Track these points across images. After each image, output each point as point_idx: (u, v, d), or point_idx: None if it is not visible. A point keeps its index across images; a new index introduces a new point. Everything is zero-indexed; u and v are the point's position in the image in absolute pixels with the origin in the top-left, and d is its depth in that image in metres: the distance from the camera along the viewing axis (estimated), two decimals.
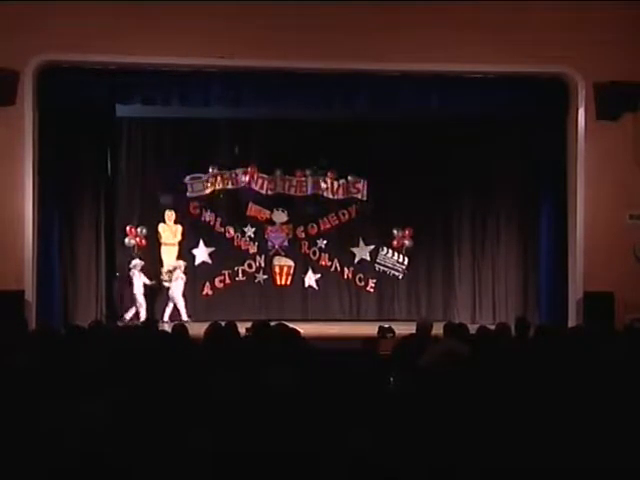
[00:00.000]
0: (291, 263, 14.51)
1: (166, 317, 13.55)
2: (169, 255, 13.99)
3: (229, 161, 14.35)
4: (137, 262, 13.72)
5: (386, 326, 11.38)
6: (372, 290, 14.55)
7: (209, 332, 6.65)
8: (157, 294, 13.97)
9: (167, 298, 13.81)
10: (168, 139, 14.23)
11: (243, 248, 14.42)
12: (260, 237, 14.43)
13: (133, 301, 13.62)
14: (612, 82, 11.59)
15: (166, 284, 13.81)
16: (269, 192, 14.41)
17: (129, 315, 13.48)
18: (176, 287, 13.77)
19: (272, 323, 7.32)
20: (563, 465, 3.48)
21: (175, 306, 13.73)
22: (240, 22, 11.35)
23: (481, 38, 11.51)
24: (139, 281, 13.64)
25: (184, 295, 13.83)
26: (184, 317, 13.44)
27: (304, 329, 7.94)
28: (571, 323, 11.44)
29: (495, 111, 12.60)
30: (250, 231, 14.41)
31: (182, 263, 13.88)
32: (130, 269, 13.66)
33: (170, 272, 13.87)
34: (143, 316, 13.29)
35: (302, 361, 5.27)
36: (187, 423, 3.78)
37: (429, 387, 4.59)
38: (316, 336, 9.85)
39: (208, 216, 14.32)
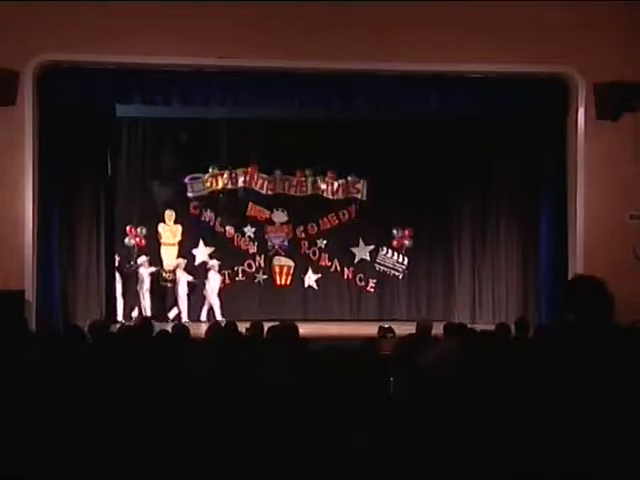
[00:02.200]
0: (291, 263, 14.52)
1: (203, 316, 13.62)
2: (169, 255, 14.00)
3: (229, 161, 14.38)
4: (180, 261, 13.78)
5: (386, 326, 11.38)
6: (372, 290, 14.56)
7: (209, 332, 6.65)
8: (195, 292, 14.05)
9: (203, 297, 13.88)
10: (168, 139, 14.24)
11: (243, 248, 14.43)
12: (260, 237, 14.44)
13: (176, 301, 13.70)
14: (612, 82, 11.59)
15: (168, 284, 13.83)
16: (269, 192, 14.43)
17: (172, 315, 13.53)
18: (211, 285, 13.79)
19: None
20: (563, 465, 3.48)
21: (211, 305, 13.81)
22: (240, 22, 11.34)
23: (481, 38, 11.51)
24: (183, 280, 13.69)
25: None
26: (218, 316, 13.47)
27: (304, 329, 7.94)
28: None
29: (495, 111, 12.61)
30: (250, 231, 14.43)
31: (216, 262, 13.92)
32: (175, 269, 13.75)
33: (172, 272, 13.89)
34: (186, 316, 13.43)
35: (301, 361, 5.27)
36: (187, 424, 3.78)
37: (429, 387, 4.60)
38: (316, 336, 9.85)
39: (208, 216, 14.34)
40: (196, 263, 14.14)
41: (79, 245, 12.91)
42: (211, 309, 13.80)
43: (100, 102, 12.34)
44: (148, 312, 13.53)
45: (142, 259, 13.70)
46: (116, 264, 13.43)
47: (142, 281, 13.62)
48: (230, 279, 14.30)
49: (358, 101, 12.08)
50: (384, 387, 4.85)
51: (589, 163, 11.86)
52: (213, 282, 13.82)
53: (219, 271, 13.95)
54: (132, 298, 13.73)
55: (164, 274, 13.92)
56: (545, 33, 11.53)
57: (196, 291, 13.98)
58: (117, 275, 13.45)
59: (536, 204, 13.03)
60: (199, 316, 13.66)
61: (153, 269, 13.76)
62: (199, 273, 14.11)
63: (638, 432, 3.72)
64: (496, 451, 3.55)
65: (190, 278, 13.78)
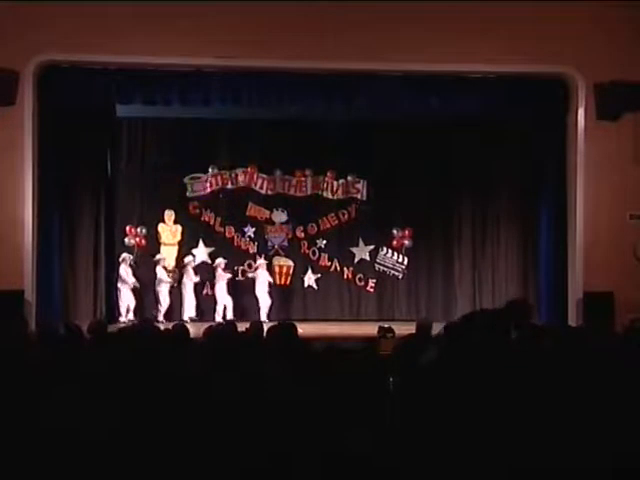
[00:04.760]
0: (291, 263, 14.52)
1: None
2: (169, 255, 13.99)
3: (229, 161, 14.38)
4: (221, 260, 13.78)
5: (386, 326, 11.35)
6: (372, 290, 14.56)
7: (209, 332, 6.65)
8: (246, 291, 14.03)
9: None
10: (168, 139, 14.23)
11: (243, 248, 14.43)
12: (260, 237, 14.44)
13: (215, 300, 13.74)
14: (612, 82, 11.60)
15: (169, 284, 13.82)
16: (269, 192, 14.42)
17: (220, 315, 13.53)
18: (261, 286, 13.80)
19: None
20: (562, 465, 3.48)
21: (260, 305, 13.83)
22: (240, 22, 11.36)
23: (481, 38, 11.52)
24: (223, 280, 13.70)
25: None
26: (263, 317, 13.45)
27: (304, 329, 7.96)
28: (571, 323, 11.43)
29: (495, 111, 12.61)
30: (250, 231, 14.42)
31: (262, 262, 13.93)
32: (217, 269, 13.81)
33: (172, 271, 13.89)
34: (231, 314, 13.42)
35: (301, 361, 5.27)
36: (187, 424, 3.78)
37: (429, 387, 4.59)
38: (316, 336, 9.86)
39: (208, 216, 14.34)
40: (196, 263, 14.10)
41: (79, 245, 12.92)
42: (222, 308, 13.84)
43: (100, 102, 12.34)
44: (191, 312, 13.64)
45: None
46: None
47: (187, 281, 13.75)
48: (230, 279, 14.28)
49: (358, 101, 12.09)
50: (384, 387, 4.84)
51: (589, 163, 11.87)
52: (261, 280, 13.83)
53: (225, 269, 13.92)
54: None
55: (167, 274, 13.91)
56: (545, 33, 11.54)
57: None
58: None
59: (536, 204, 13.03)
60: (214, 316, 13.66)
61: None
62: (200, 274, 14.08)
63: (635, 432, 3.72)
64: (496, 451, 3.55)
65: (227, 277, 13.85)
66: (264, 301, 13.77)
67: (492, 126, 13.39)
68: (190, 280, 13.71)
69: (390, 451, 3.48)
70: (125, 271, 13.45)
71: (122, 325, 12.27)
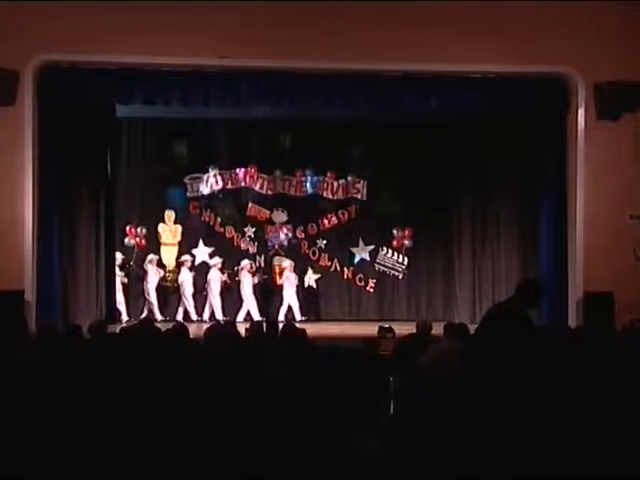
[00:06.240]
0: (291, 263, 14.51)
1: (281, 316, 13.62)
2: (169, 255, 13.99)
3: (229, 161, 14.38)
4: (246, 262, 13.79)
5: (386, 326, 11.36)
6: (372, 290, 14.56)
7: (209, 332, 6.65)
8: (272, 293, 14.05)
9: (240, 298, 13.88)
10: (168, 139, 14.23)
11: (243, 248, 14.43)
12: (260, 237, 14.44)
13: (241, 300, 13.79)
14: (612, 82, 11.59)
15: (169, 283, 13.82)
16: (269, 192, 14.42)
17: (242, 314, 13.54)
18: (287, 287, 13.82)
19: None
20: (562, 464, 3.48)
21: (289, 306, 13.89)
22: (240, 22, 11.34)
23: (481, 38, 11.51)
24: (249, 281, 13.70)
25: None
26: (297, 317, 13.52)
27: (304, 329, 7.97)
28: (571, 323, 11.43)
29: (495, 111, 12.59)
30: (250, 231, 14.42)
31: (289, 263, 13.98)
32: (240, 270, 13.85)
33: (170, 272, 13.89)
34: (256, 315, 13.43)
35: (301, 361, 5.27)
36: (187, 423, 3.78)
37: (429, 387, 4.60)
38: (316, 336, 9.85)
39: (208, 216, 14.33)
40: (196, 263, 14.10)
41: (79, 245, 12.90)
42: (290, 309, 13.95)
43: (100, 102, 12.33)
44: (219, 313, 13.63)
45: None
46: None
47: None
48: (230, 279, 14.29)
49: (358, 101, 12.07)
50: (384, 387, 4.85)
51: (589, 163, 11.86)
52: (214, 281, 13.82)
53: (221, 269, 13.92)
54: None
55: (166, 274, 13.92)
56: (545, 33, 11.53)
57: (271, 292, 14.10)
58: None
59: (536, 204, 13.02)
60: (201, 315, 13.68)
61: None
62: (200, 273, 14.08)
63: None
64: (496, 451, 3.55)
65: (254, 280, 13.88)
66: (293, 303, 13.82)
67: (492, 126, 13.38)
68: (217, 281, 13.72)
69: (391, 451, 3.48)
70: (153, 272, 13.53)
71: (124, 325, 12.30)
